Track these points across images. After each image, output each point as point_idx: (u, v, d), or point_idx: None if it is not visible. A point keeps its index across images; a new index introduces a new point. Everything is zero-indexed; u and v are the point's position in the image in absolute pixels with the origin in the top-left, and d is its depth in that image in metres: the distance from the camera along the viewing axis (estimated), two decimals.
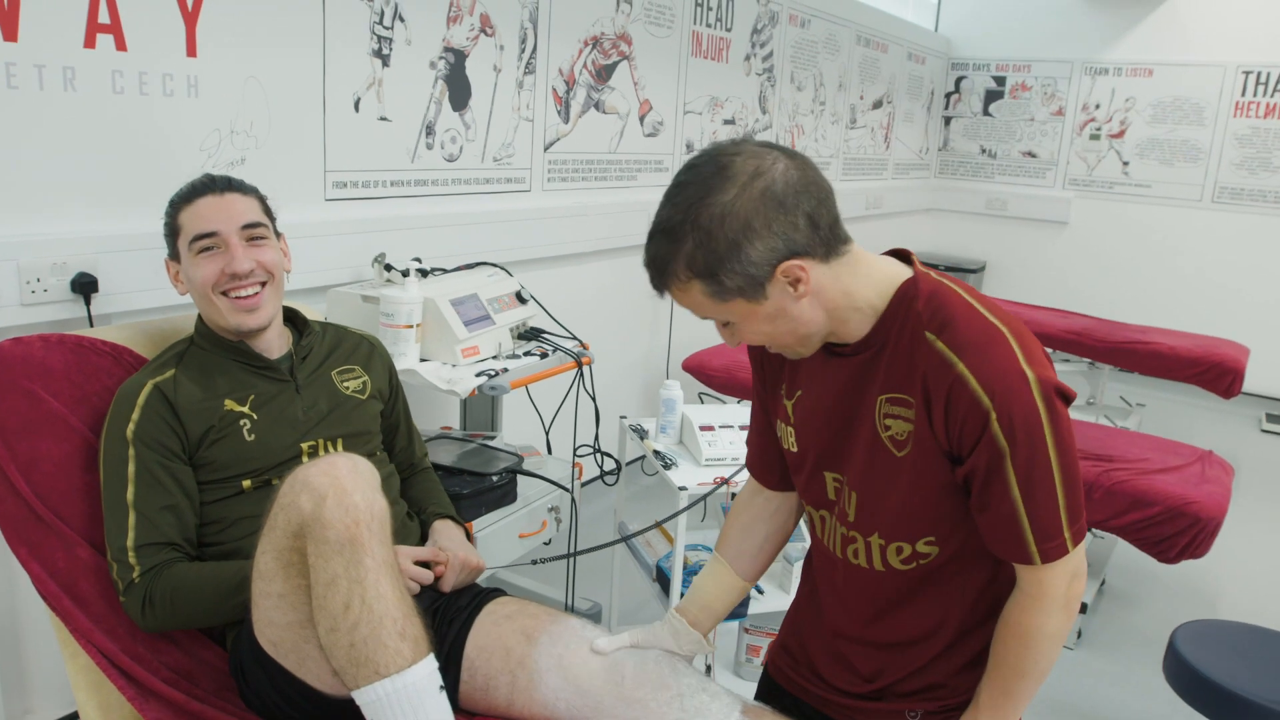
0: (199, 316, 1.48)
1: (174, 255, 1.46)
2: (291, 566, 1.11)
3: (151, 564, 1.29)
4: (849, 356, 1.11)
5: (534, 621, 1.32)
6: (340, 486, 1.07)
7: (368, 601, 1.05)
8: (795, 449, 1.21)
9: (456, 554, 1.45)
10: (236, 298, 1.40)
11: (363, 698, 1.06)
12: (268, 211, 1.48)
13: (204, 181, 1.45)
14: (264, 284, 1.43)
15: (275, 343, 1.48)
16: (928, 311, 1.05)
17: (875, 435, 1.09)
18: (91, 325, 1.82)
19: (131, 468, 1.31)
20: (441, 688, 1.09)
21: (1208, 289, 5.23)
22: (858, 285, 1.06)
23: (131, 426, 1.33)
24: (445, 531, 1.55)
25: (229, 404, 1.40)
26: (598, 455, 2.44)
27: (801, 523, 2.42)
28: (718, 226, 0.98)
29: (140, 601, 1.28)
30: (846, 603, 1.22)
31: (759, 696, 1.41)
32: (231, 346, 1.45)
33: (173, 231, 1.44)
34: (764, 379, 1.27)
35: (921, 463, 1.06)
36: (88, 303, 1.82)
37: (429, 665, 1.08)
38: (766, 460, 1.33)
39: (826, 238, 1.02)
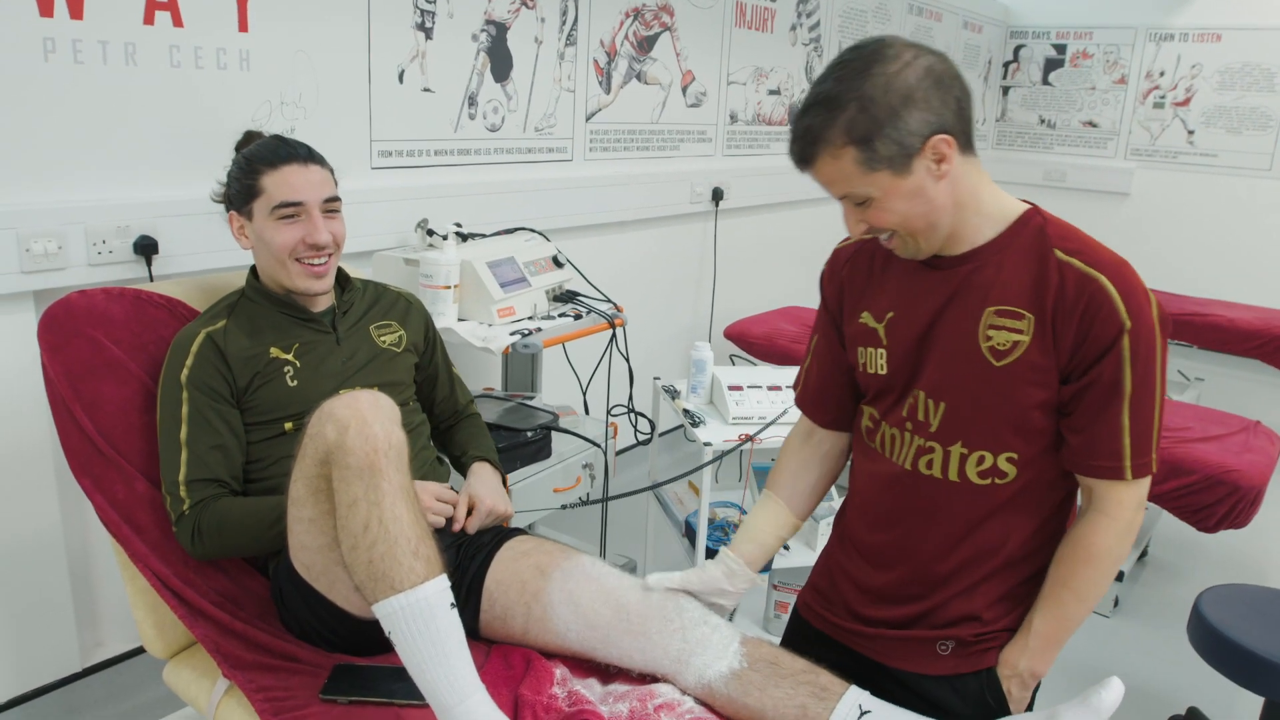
0: (251, 271, 1.58)
1: (243, 211, 1.52)
2: (319, 493, 1.21)
3: (200, 498, 1.40)
4: (951, 269, 1.18)
5: (548, 558, 1.40)
6: (361, 417, 1.16)
7: (384, 523, 1.15)
8: (885, 371, 1.24)
9: (484, 500, 1.53)
10: (309, 264, 1.50)
11: (380, 611, 1.15)
12: (335, 183, 1.57)
13: (286, 148, 1.51)
14: (330, 255, 1.53)
15: (321, 298, 1.58)
16: (1057, 235, 1.14)
17: (974, 345, 1.15)
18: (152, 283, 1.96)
19: (185, 409, 1.43)
20: (453, 605, 1.17)
21: (1275, 261, 5.07)
22: (984, 191, 1.16)
23: (186, 372, 1.44)
24: (480, 474, 1.63)
25: (274, 351, 1.50)
26: (631, 415, 2.52)
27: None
28: (881, 94, 1.06)
29: (190, 531, 1.39)
30: (904, 520, 1.26)
31: (787, 634, 1.48)
32: (280, 300, 1.55)
33: (250, 191, 1.49)
34: (840, 308, 1.32)
35: (1021, 375, 1.13)
36: (149, 263, 1.96)
37: (441, 583, 1.17)
38: (824, 398, 1.39)
39: (967, 129, 1.11)
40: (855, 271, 1.31)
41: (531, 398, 2.46)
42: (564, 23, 2.83)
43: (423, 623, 1.13)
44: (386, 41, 2.35)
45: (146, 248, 1.94)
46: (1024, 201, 1.19)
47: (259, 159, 1.51)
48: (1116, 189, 5.53)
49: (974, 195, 1.14)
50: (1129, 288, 1.09)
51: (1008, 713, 1.23)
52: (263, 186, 1.49)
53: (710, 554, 2.14)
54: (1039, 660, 1.22)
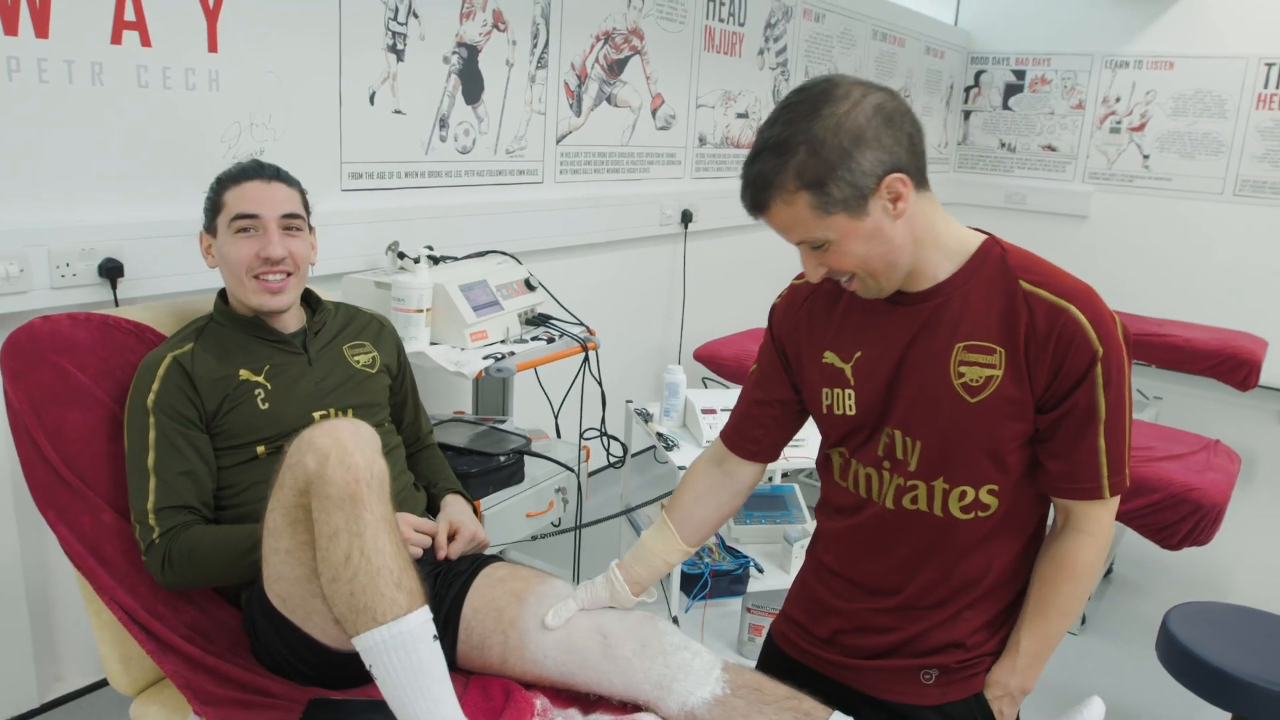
0: (219, 294, 1.56)
1: (210, 230, 1.54)
2: (298, 523, 1.19)
3: (170, 525, 1.37)
4: (915, 305, 1.17)
5: (523, 584, 1.39)
6: (343, 446, 1.14)
7: (366, 553, 1.13)
8: (854, 411, 1.22)
9: (466, 525, 1.52)
10: (264, 280, 1.49)
11: (362, 643, 1.13)
12: (306, 205, 1.57)
13: (254, 166, 1.53)
14: (290, 274, 1.51)
15: (291, 319, 1.57)
16: (1020, 265, 1.14)
17: (946, 382, 1.14)
18: (118, 308, 1.92)
19: (152, 435, 1.39)
20: (435, 637, 1.15)
21: (1229, 282, 5.20)
22: (941, 225, 1.15)
23: (152, 397, 1.41)
24: (456, 505, 1.63)
25: (244, 373, 1.48)
26: (604, 439, 2.51)
27: (803, 503, 2.47)
28: (831, 135, 1.04)
29: (160, 560, 1.36)
30: (889, 556, 1.25)
31: (761, 664, 1.45)
32: (248, 322, 1.53)
33: (215, 207, 1.52)
34: (798, 346, 1.30)
35: (997, 409, 1.13)
36: (114, 287, 1.92)
37: (423, 615, 1.15)
38: (746, 427, 1.38)
39: (921, 165, 1.11)
40: (815, 311, 1.29)
41: (503, 421, 2.45)
42: (535, 45, 2.84)
43: (405, 655, 1.11)
44: (358, 63, 2.34)
45: (112, 270, 1.90)
46: (978, 230, 1.19)
47: (226, 177, 1.53)
48: (1075, 211, 5.65)
49: (931, 230, 1.14)
50: (1096, 314, 1.10)
51: None
52: (224, 201, 1.51)
53: (688, 579, 2.13)
54: (1028, 677, 1.23)
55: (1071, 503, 1.18)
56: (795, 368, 1.32)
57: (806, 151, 1.05)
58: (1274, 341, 4.52)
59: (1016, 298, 1.12)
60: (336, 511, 1.13)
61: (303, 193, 1.56)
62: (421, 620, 1.14)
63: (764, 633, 2.41)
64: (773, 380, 1.35)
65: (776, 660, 1.41)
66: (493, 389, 2.67)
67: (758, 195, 1.10)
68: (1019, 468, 1.17)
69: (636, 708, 1.30)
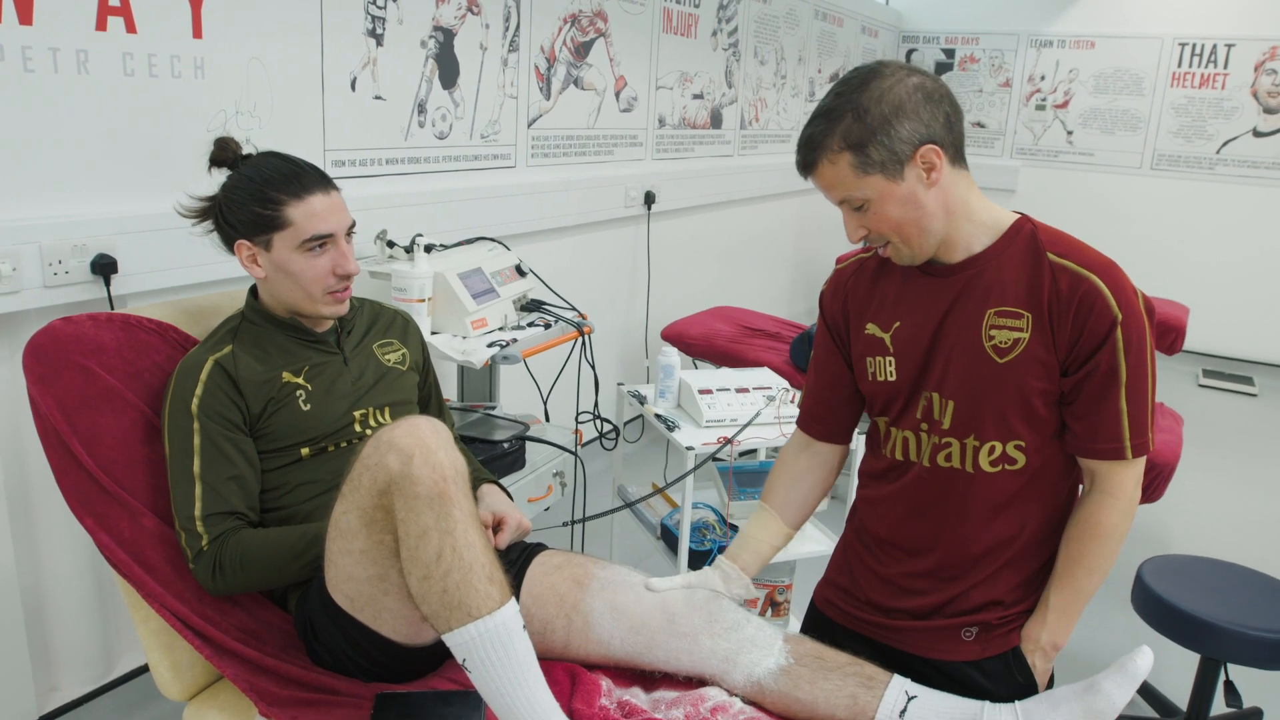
0: (251, 293, 1.52)
1: (259, 241, 1.44)
2: (375, 524, 1.18)
3: (219, 532, 1.35)
4: (952, 275, 1.27)
5: (582, 569, 1.42)
6: (425, 445, 1.15)
7: (458, 550, 1.14)
8: (894, 377, 1.32)
9: (512, 515, 1.52)
10: (334, 292, 1.47)
11: (455, 639, 1.14)
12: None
13: (305, 174, 1.44)
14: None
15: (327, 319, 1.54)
16: (1048, 239, 1.24)
17: (978, 345, 1.25)
18: (112, 306, 1.85)
19: (197, 440, 1.36)
20: (524, 627, 1.18)
21: (1149, 252, 5.49)
22: (975, 201, 1.26)
23: (196, 401, 1.37)
24: (494, 495, 1.61)
25: (286, 375, 1.45)
26: (597, 421, 2.53)
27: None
28: (874, 104, 1.17)
29: (210, 568, 1.34)
30: (928, 516, 1.33)
31: (805, 630, 1.52)
32: (284, 322, 1.50)
33: (271, 222, 1.42)
34: (845, 323, 1.40)
35: (1022, 369, 1.23)
36: (107, 284, 1.85)
37: (514, 606, 1.17)
38: (820, 410, 1.47)
39: (957, 142, 1.22)
40: (858, 286, 1.39)
41: (493, 408, 2.45)
42: (507, 29, 2.82)
43: (501, 648, 1.12)
44: (339, 49, 2.29)
45: (105, 267, 1.83)
46: (1014, 212, 1.29)
47: (279, 188, 1.42)
48: (1004, 186, 5.87)
49: (965, 204, 1.24)
50: (1118, 284, 1.19)
51: (1035, 686, 1.32)
52: (288, 219, 1.42)
53: (695, 555, 2.18)
54: (1058, 632, 1.31)
55: (1095, 464, 1.26)
56: (845, 345, 1.40)
57: (852, 117, 1.18)
58: (1193, 308, 4.79)
59: (1043, 267, 1.22)
60: (425, 510, 1.13)
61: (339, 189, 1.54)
62: (513, 612, 1.16)
63: (758, 605, 2.50)
64: (831, 364, 1.44)
65: (820, 625, 1.48)
66: (479, 375, 2.66)
67: (807, 155, 1.23)
68: (1046, 427, 1.25)
69: (700, 683, 1.34)
